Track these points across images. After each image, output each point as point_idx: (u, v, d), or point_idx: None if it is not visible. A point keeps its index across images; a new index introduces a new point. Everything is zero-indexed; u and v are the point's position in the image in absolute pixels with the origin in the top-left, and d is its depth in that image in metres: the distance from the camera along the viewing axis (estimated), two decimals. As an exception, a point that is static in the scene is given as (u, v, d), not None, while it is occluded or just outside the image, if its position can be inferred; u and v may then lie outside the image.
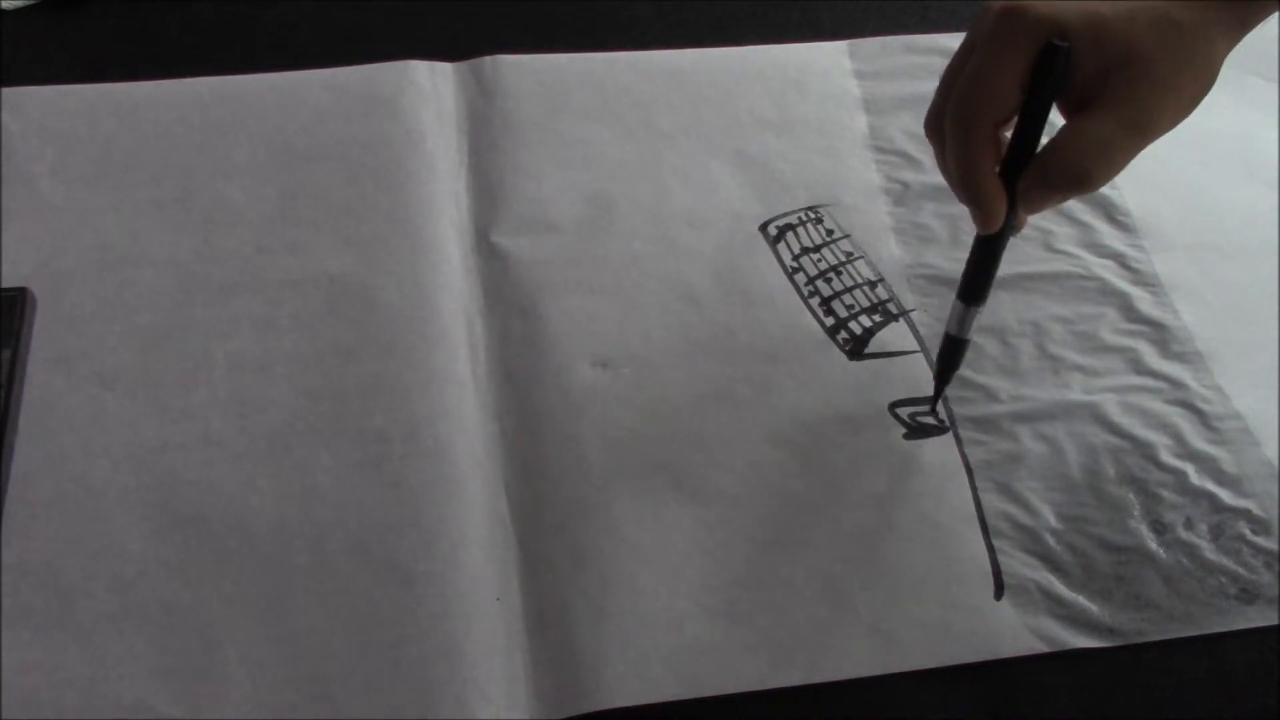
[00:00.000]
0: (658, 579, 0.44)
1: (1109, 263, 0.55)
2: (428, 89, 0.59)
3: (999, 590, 0.45)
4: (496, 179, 0.56)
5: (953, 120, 0.41)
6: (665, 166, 0.57)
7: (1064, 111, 0.41)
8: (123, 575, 0.43)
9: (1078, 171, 0.40)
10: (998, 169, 0.41)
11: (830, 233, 0.56)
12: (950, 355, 0.47)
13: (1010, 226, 0.43)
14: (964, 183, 0.42)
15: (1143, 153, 0.52)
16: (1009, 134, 0.42)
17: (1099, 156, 0.40)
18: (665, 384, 0.50)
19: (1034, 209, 0.42)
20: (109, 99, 0.57)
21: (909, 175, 0.58)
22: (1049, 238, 0.56)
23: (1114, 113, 0.39)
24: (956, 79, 0.42)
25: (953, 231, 0.56)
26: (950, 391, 0.50)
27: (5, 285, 0.50)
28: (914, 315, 0.53)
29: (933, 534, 0.46)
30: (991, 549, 0.46)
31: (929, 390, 0.50)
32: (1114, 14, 0.39)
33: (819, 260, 0.55)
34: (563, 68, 0.61)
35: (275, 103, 0.58)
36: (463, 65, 0.61)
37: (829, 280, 0.54)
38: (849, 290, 0.54)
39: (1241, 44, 0.42)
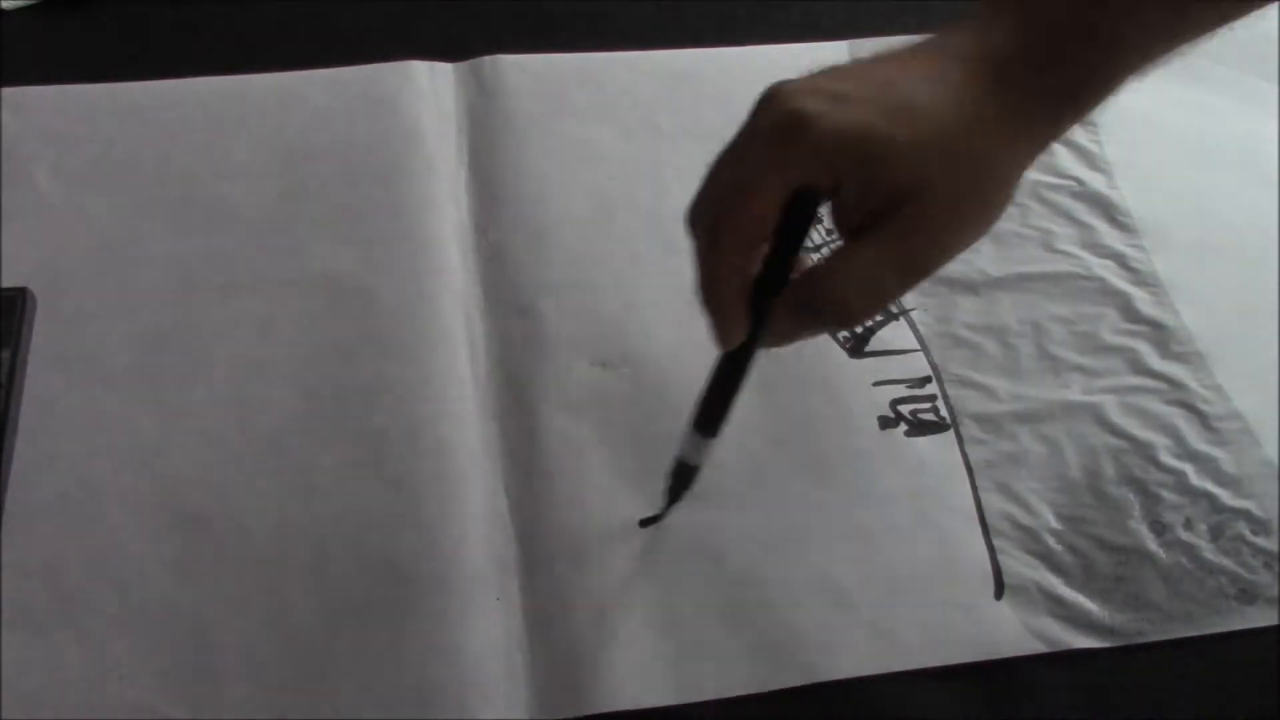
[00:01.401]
0: (658, 579, 0.44)
1: (1109, 263, 0.55)
2: (428, 89, 0.59)
3: (999, 590, 0.45)
4: (496, 179, 0.56)
5: (702, 225, 0.37)
6: (665, 166, 0.57)
7: (836, 228, 0.38)
8: (123, 575, 0.43)
9: (838, 306, 0.36)
10: (744, 285, 0.37)
11: (830, 232, 0.55)
12: (680, 479, 0.44)
13: (754, 348, 0.39)
14: (703, 293, 0.38)
15: (1143, 153, 0.52)
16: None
17: (864, 293, 0.36)
18: (665, 384, 0.50)
19: (785, 338, 0.39)
20: (109, 99, 0.57)
21: (909, 175, 0.58)
22: (1049, 238, 0.56)
23: (887, 251, 0.36)
24: (725, 170, 0.38)
25: (953, 231, 0.56)
26: (951, 390, 0.50)
27: (5, 285, 0.50)
28: (914, 314, 0.53)
29: (933, 534, 0.46)
30: (991, 549, 0.46)
31: (930, 390, 0.50)
32: (907, 141, 0.35)
33: (819, 260, 0.55)
34: (563, 68, 0.61)
35: (275, 103, 0.58)
36: (463, 65, 0.61)
37: (829, 280, 0.54)
38: (849, 290, 0.54)
39: (1242, 44, 0.42)
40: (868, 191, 0.36)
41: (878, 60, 0.37)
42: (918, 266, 0.36)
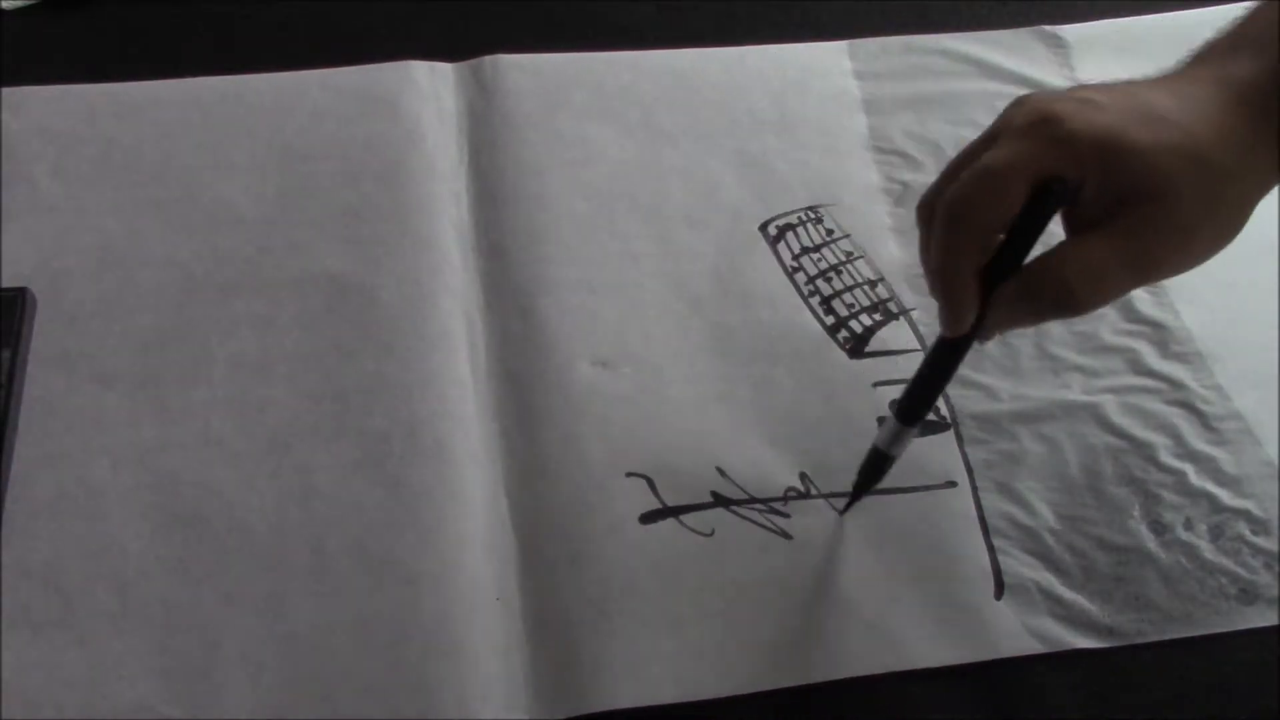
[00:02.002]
0: (657, 580, 0.44)
1: (1109, 263, 0.55)
2: (428, 89, 0.59)
3: (999, 590, 0.45)
4: (496, 178, 0.56)
5: (946, 209, 0.38)
6: (665, 166, 0.57)
7: (1066, 225, 0.39)
8: (123, 575, 0.43)
9: (1066, 294, 0.37)
10: (977, 272, 0.38)
11: (830, 232, 0.56)
12: (873, 469, 0.45)
13: (974, 338, 0.40)
14: (940, 277, 0.39)
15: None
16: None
17: (1093, 284, 0.37)
18: (665, 384, 0.50)
19: (1006, 324, 0.40)
20: (109, 99, 0.57)
21: (909, 175, 0.58)
22: (1049, 238, 0.56)
23: (1117, 246, 0.37)
24: (964, 166, 0.39)
25: (953, 231, 0.56)
26: (951, 390, 0.50)
27: (5, 285, 0.50)
28: (914, 314, 0.53)
29: (933, 533, 0.46)
30: (991, 549, 0.46)
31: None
32: (1148, 145, 0.36)
33: (819, 260, 0.55)
34: (563, 68, 0.61)
35: (275, 103, 0.58)
36: (463, 65, 0.61)
37: (829, 279, 0.54)
38: (849, 289, 0.54)
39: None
40: (1108, 188, 0.37)
41: (1121, 83, 0.39)
42: (1149, 265, 0.37)
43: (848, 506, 0.46)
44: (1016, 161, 0.37)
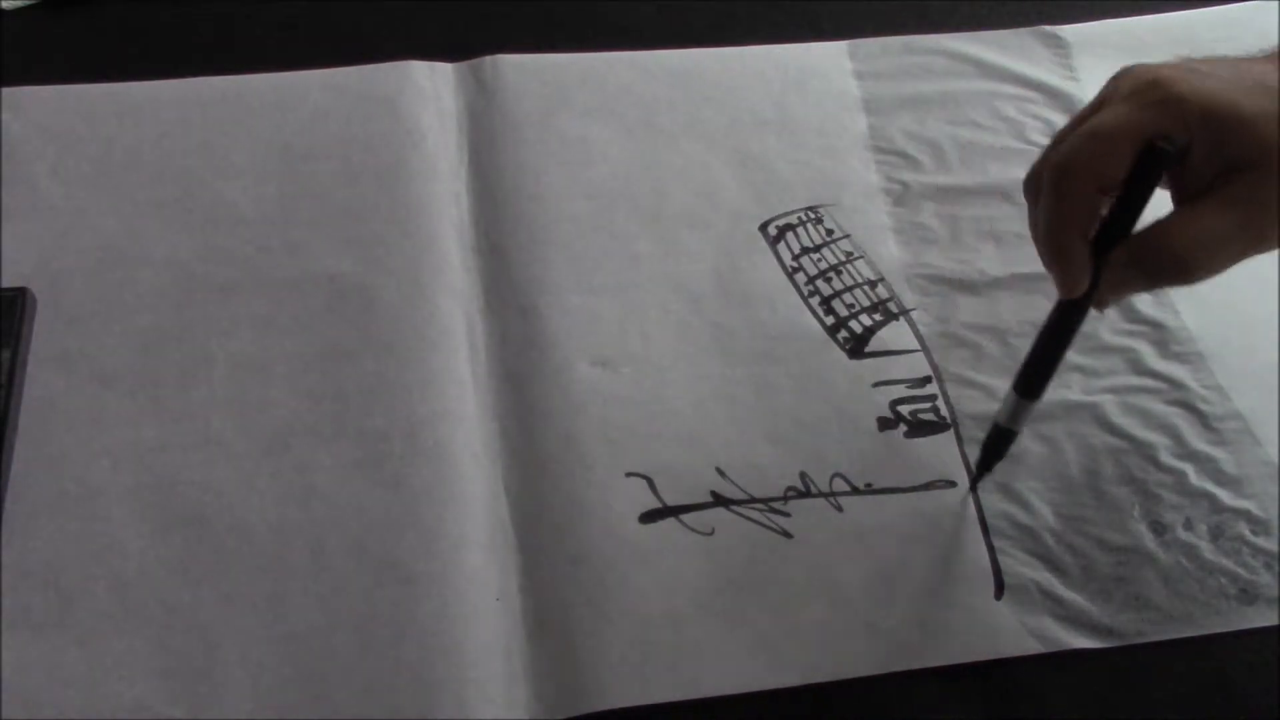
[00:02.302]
0: (657, 579, 0.44)
1: (1109, 263, 0.55)
2: (428, 89, 0.59)
3: (999, 590, 0.45)
4: (496, 178, 0.56)
5: (1053, 173, 0.38)
6: (665, 166, 0.57)
7: (1175, 195, 0.39)
8: (123, 575, 0.43)
9: (1177, 261, 0.37)
10: (1089, 236, 0.39)
11: (830, 232, 0.56)
12: (995, 445, 0.46)
13: (1089, 305, 0.40)
14: (1050, 241, 0.39)
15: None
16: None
17: (1204, 251, 0.37)
18: (665, 384, 0.50)
19: (1118, 291, 0.40)
20: (109, 99, 0.57)
21: (909, 175, 0.58)
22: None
23: (1231, 211, 0.37)
24: (1070, 133, 0.39)
25: (952, 231, 0.56)
26: (951, 390, 0.50)
27: (5, 285, 0.50)
28: (914, 314, 0.53)
29: (933, 533, 0.46)
30: (991, 549, 0.46)
31: (930, 390, 0.50)
32: (1257, 112, 0.37)
33: (819, 260, 0.55)
34: (563, 67, 0.61)
35: (275, 103, 0.58)
36: (463, 65, 0.61)
37: (829, 279, 0.54)
38: (849, 289, 0.54)
39: (1242, 44, 0.42)
40: (1217, 153, 0.37)
41: (1227, 58, 0.40)
42: (1259, 234, 0.37)
43: (974, 484, 0.47)
44: (1124, 122, 0.37)
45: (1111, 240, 0.39)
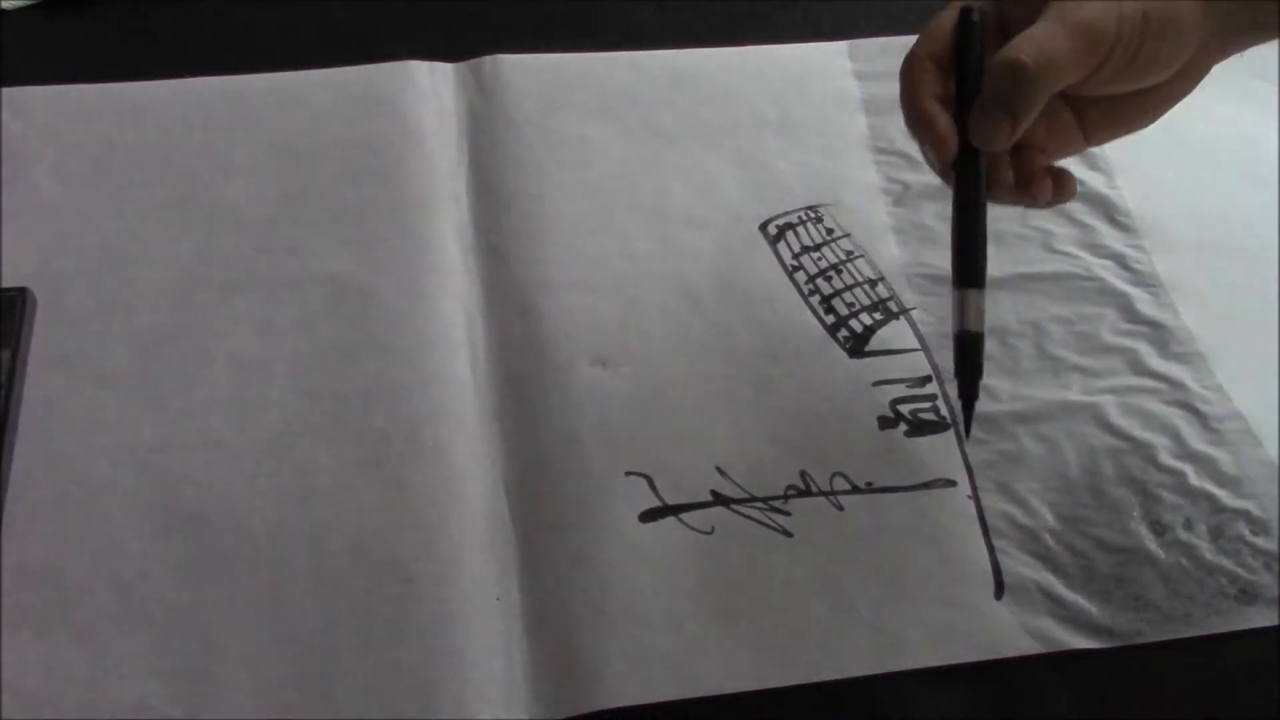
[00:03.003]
0: (657, 578, 0.44)
1: (1109, 263, 0.55)
2: (428, 89, 0.59)
3: (999, 590, 0.45)
4: (496, 178, 0.56)
5: (902, 64, 0.43)
6: (665, 166, 0.57)
7: None
8: (123, 575, 0.43)
9: (1010, 65, 0.39)
10: (942, 103, 0.42)
11: (830, 232, 0.56)
12: (968, 358, 0.43)
13: (979, 169, 0.42)
14: (909, 113, 0.43)
15: (1143, 153, 0.52)
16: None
17: (1031, 46, 0.39)
18: (665, 383, 0.50)
19: (988, 133, 0.41)
20: (109, 99, 0.57)
21: (909, 175, 0.58)
22: (1049, 238, 0.56)
23: (1050, 17, 0.40)
24: None
25: (953, 231, 0.56)
26: (951, 389, 0.50)
27: (5, 285, 0.50)
28: (914, 314, 0.53)
29: (933, 533, 0.46)
30: (991, 549, 0.46)
31: (930, 389, 0.50)
32: None
33: (819, 259, 0.55)
34: (563, 67, 0.61)
35: (275, 103, 0.58)
36: (463, 65, 0.61)
37: (829, 279, 0.54)
38: (849, 288, 0.54)
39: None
40: (1024, 3, 0.41)
41: None
42: (1083, 23, 0.39)
43: (968, 425, 0.44)
44: (945, 11, 0.43)
45: (963, 104, 0.42)
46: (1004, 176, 0.43)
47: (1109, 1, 0.39)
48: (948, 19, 0.43)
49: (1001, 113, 0.41)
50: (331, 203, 0.54)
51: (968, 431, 0.45)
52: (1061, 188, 0.44)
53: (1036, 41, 0.39)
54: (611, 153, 0.58)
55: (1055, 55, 0.39)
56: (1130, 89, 0.42)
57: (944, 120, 0.42)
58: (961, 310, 0.42)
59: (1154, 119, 0.44)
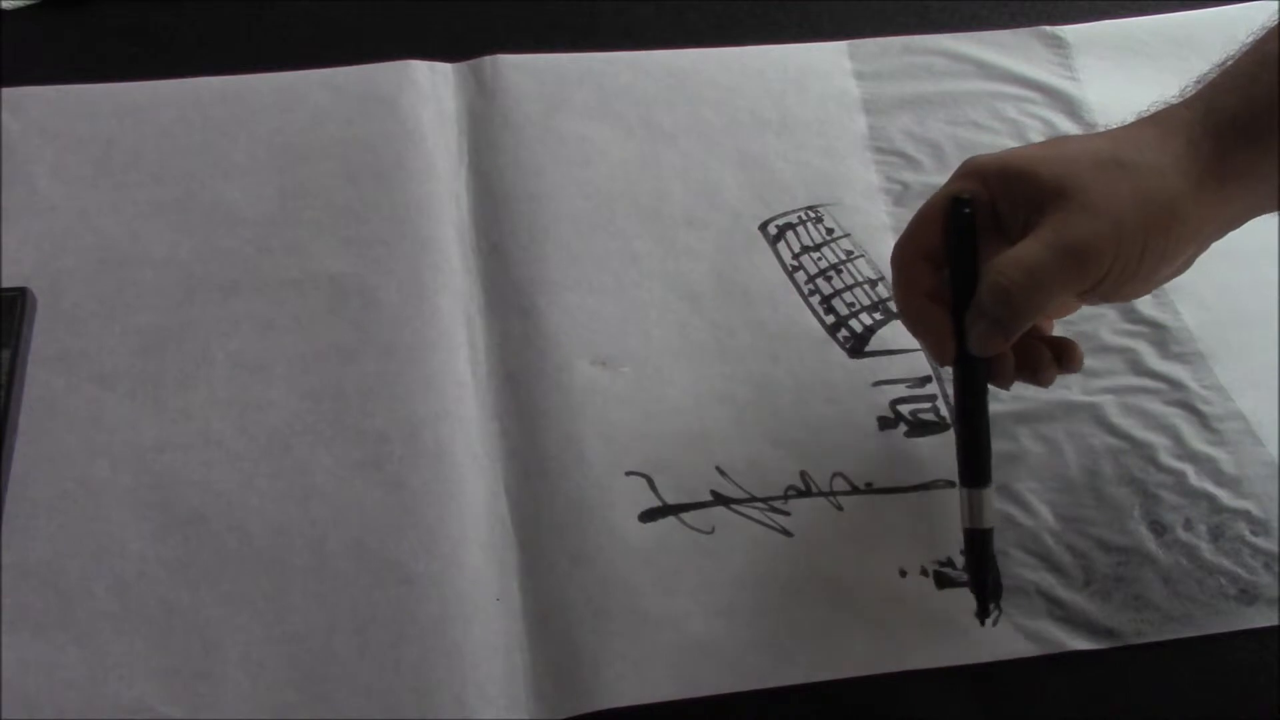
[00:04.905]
0: (657, 578, 0.44)
1: (1109, 263, 0.55)
2: (428, 89, 0.59)
3: (999, 591, 0.45)
4: (496, 178, 0.56)
5: (893, 255, 0.44)
6: (665, 166, 0.57)
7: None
8: (123, 575, 0.43)
9: (998, 292, 0.39)
10: (938, 301, 0.42)
11: (830, 231, 0.56)
12: (980, 556, 0.42)
13: (983, 371, 0.42)
14: (904, 311, 0.43)
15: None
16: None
17: (1019, 273, 0.39)
18: (665, 383, 0.50)
19: (981, 342, 0.41)
20: (109, 99, 0.57)
21: (908, 175, 0.58)
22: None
23: (1042, 237, 0.39)
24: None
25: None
26: (950, 389, 0.50)
27: (5, 285, 0.50)
28: (914, 315, 0.53)
29: (932, 532, 0.46)
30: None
31: (930, 390, 0.50)
32: (1055, 156, 0.40)
33: (819, 259, 0.55)
34: (563, 68, 0.61)
35: (275, 103, 0.58)
36: (463, 65, 0.61)
37: (829, 278, 0.54)
38: (849, 288, 0.54)
39: (1242, 46, 0.42)
40: (1017, 200, 0.40)
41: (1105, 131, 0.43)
42: (1075, 249, 0.39)
43: (982, 614, 0.42)
44: (936, 197, 0.43)
45: (964, 302, 0.41)
46: (1005, 365, 0.42)
47: (1109, 216, 0.38)
48: (936, 209, 0.42)
49: (998, 333, 0.40)
50: (331, 203, 0.54)
51: (982, 620, 0.43)
52: (1069, 358, 0.44)
53: (1024, 266, 0.39)
54: (611, 153, 0.58)
55: (1043, 280, 0.39)
56: (1128, 295, 0.43)
57: (939, 322, 0.42)
58: (970, 509, 0.42)
59: (1150, 290, 0.45)
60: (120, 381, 0.48)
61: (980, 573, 0.42)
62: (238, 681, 0.41)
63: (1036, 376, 0.43)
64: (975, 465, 0.42)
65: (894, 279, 0.44)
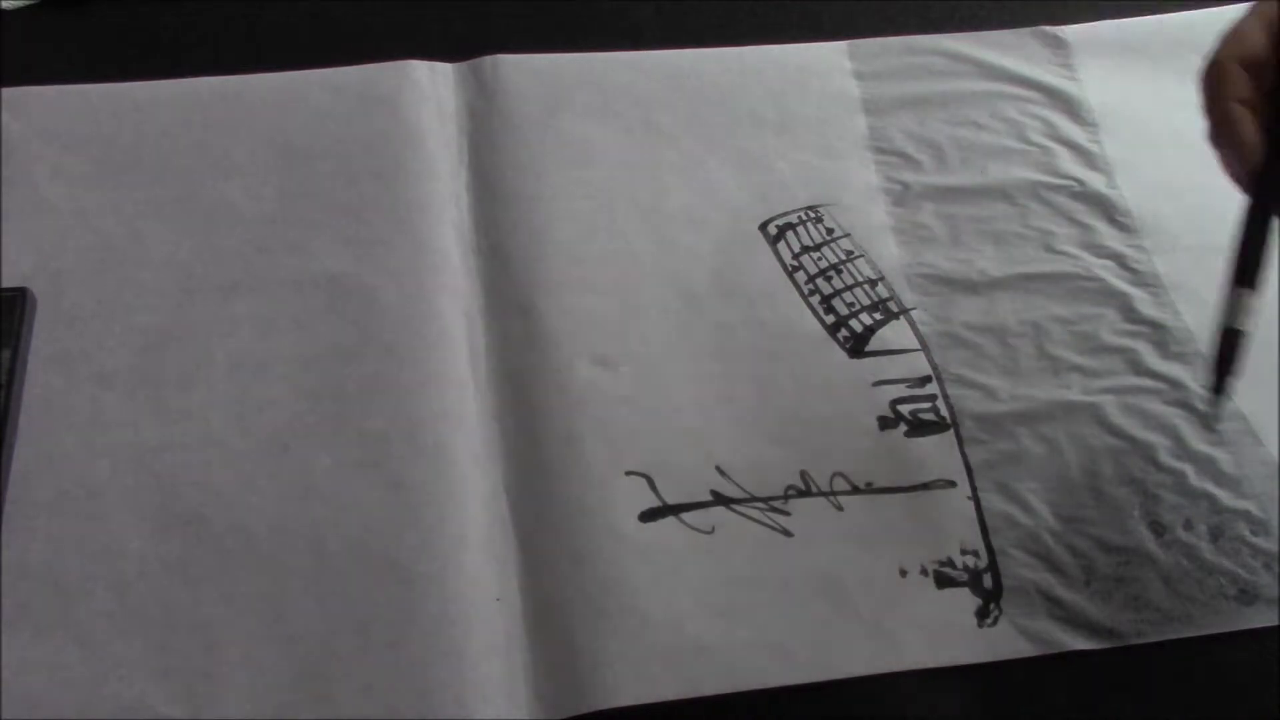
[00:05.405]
0: (657, 578, 0.44)
1: (1109, 263, 0.55)
2: (428, 89, 0.59)
3: (998, 591, 0.45)
4: (496, 179, 0.56)
5: (1206, 68, 0.42)
6: (665, 166, 0.57)
7: None
8: (123, 575, 0.43)
9: None
10: (1248, 102, 0.41)
11: (830, 231, 0.56)
12: (1228, 351, 0.44)
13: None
14: (1210, 118, 0.42)
15: (1143, 153, 0.52)
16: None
17: None
18: (665, 383, 0.50)
19: None
20: (109, 99, 0.57)
21: (909, 175, 0.58)
22: (1049, 238, 0.56)
23: None
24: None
25: (952, 231, 0.56)
26: (951, 390, 0.50)
27: (5, 285, 0.50)
28: (914, 314, 0.53)
29: (932, 533, 0.46)
30: (991, 549, 0.46)
31: (930, 390, 0.50)
32: None
33: (819, 259, 0.55)
34: (563, 68, 0.61)
35: (275, 103, 0.58)
36: (463, 65, 0.61)
37: (829, 278, 0.54)
38: (849, 288, 0.54)
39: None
40: None
41: None
42: None
43: (1217, 399, 0.45)
44: (1264, 6, 0.42)
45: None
46: None
47: None
48: (1256, 21, 0.42)
49: None
50: (331, 203, 0.54)
51: (1215, 422, 0.45)
52: None
53: None
54: (611, 153, 0.58)
55: None
56: None
57: (1249, 126, 0.41)
58: (1232, 308, 0.43)
59: None
60: (120, 381, 0.48)
61: (1225, 371, 0.44)
62: (238, 681, 0.41)
63: None
64: (1252, 264, 0.43)
65: (1205, 91, 0.42)
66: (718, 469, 0.47)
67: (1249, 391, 0.51)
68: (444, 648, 0.42)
